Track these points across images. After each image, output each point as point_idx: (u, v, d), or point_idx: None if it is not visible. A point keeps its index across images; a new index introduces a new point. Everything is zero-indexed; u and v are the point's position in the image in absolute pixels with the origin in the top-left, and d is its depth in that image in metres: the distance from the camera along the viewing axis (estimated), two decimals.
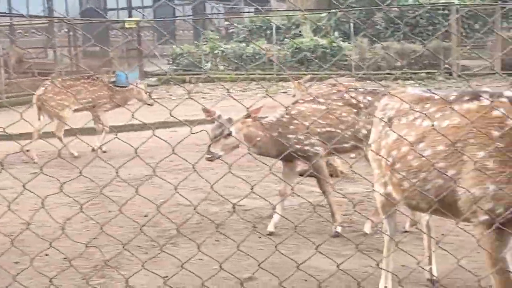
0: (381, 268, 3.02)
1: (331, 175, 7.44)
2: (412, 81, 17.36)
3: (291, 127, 5.38)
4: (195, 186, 7.13)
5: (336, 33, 21.11)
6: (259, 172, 7.73)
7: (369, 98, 5.46)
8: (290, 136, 5.35)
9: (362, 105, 5.43)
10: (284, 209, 5.90)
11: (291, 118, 5.37)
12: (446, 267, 4.36)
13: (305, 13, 20.45)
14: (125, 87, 10.62)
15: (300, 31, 22.30)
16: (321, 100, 5.53)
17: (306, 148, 5.36)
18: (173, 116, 2.30)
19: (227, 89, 2.54)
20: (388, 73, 18.44)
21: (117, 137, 2.57)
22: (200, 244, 2.85)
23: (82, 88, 9.96)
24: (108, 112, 10.19)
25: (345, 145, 5.46)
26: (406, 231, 5.46)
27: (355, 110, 5.44)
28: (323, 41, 20.26)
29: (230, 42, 23.03)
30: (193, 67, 21.60)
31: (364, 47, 20.04)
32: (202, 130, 2.79)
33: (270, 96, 2.64)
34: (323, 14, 22.58)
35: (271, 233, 5.52)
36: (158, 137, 2.60)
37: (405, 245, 5.15)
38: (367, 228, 5.51)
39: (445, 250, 4.28)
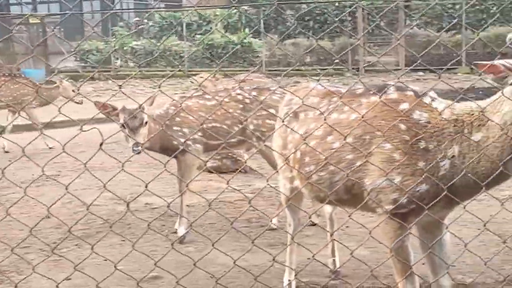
0: (277, 262, 3.05)
1: (239, 171, 7.51)
2: (321, 77, 17.71)
3: (177, 119, 5.39)
4: (101, 185, 6.94)
5: (247, 30, 21.20)
6: (169, 169, 7.64)
7: (254, 93, 5.56)
8: (176, 128, 5.34)
9: (248, 101, 5.51)
10: (192, 206, 5.89)
11: (178, 110, 5.36)
12: (351, 258, 4.48)
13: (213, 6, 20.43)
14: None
15: (211, 28, 22.26)
16: (208, 96, 5.57)
17: (189, 142, 5.37)
18: (62, 114, 2.22)
19: (119, 85, 2.47)
20: (297, 69, 18.74)
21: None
22: (94, 245, 2.77)
23: (3, 86, 9.52)
24: (36, 109, 9.78)
25: (232, 140, 5.51)
26: (313, 224, 5.55)
27: (241, 106, 5.51)
28: (234, 38, 20.32)
29: (140, 38, 22.67)
30: (103, 64, 21.14)
31: (274, 43, 20.26)
32: (94, 127, 2.70)
33: (162, 92, 2.61)
34: (234, 11, 22.63)
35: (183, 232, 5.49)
36: (47, 135, 2.51)
37: (311, 238, 5.26)
38: (274, 223, 5.57)
39: (340, 242, 4.40)
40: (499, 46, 17.28)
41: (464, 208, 2.90)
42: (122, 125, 5.00)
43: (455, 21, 18.44)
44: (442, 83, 3.04)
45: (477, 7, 19.85)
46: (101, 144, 2.35)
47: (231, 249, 4.84)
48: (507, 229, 4.95)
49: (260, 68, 18.87)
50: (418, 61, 2.58)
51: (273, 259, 2.64)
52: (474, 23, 19.60)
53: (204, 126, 5.36)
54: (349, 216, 2.64)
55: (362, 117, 2.86)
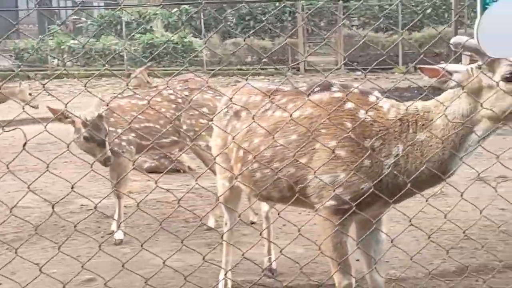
0: (207, 261, 3.05)
1: (178, 171, 7.47)
2: (262, 76, 17.82)
3: (111, 119, 5.28)
4: (34, 187, 6.78)
5: (187, 29, 21.06)
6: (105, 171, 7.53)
7: (186, 93, 5.55)
8: (110, 129, 5.24)
9: (180, 101, 5.49)
10: (129, 207, 5.82)
11: (110, 111, 5.28)
12: (278, 256, 4.55)
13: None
14: None
15: (151, 27, 22.01)
16: (139, 95, 5.53)
17: (123, 143, 5.30)
18: None
19: (43, 84, 2.39)
20: (239, 69, 18.80)
21: None
22: (17, 249, 2.72)
23: None
24: None
25: (165, 140, 5.47)
26: (251, 223, 5.58)
27: (173, 106, 5.48)
28: (174, 37, 20.18)
29: (78, 37, 22.24)
30: (39, 63, 20.66)
31: (215, 43, 20.23)
32: (16, 128, 2.63)
33: (89, 91, 2.57)
34: (174, 10, 22.47)
35: (114, 232, 5.41)
36: None
37: (248, 237, 5.28)
38: (211, 223, 5.56)
39: (270, 240, 4.41)
40: (433, 46, 17.82)
41: (391, 204, 2.95)
42: (85, 138, 4.83)
43: (380, 21, 18.91)
44: (382, 82, 3.10)
45: (413, 8, 20.31)
46: (24, 145, 2.28)
47: (168, 249, 4.81)
48: (437, 224, 5.09)
49: (201, 67, 18.82)
50: (345, 61, 2.62)
51: (203, 259, 2.63)
52: (410, 23, 20.05)
53: (137, 126, 5.31)
54: (278, 214, 2.65)
55: (290, 115, 2.88)
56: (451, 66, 2.81)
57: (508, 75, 2.62)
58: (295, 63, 18.88)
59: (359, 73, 17.67)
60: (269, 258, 4.44)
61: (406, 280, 4.22)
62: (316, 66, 19.26)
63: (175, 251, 3.23)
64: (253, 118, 2.97)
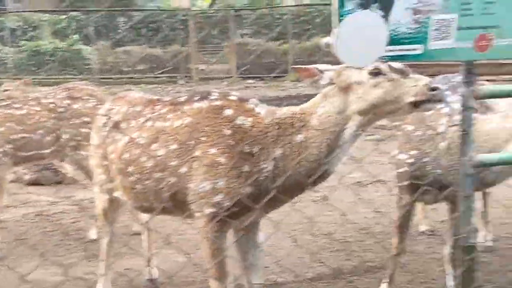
0: (69, 276, 2.97)
1: (60, 182, 7.25)
2: (155, 85, 17.64)
3: None
4: None
5: (76, 36, 20.45)
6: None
7: (68, 101, 5.40)
8: None
9: (61, 110, 5.34)
10: (6, 222, 5.58)
11: None
12: (169, 266, 4.52)
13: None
14: None
15: (38, 33, 21.21)
16: (17, 105, 5.33)
17: None
18: None
19: None
20: (130, 77, 18.52)
21: None
22: None
23: None
24: None
25: (45, 151, 5.29)
26: (134, 234, 5.49)
27: (54, 115, 5.32)
28: (63, 44, 19.58)
29: None
30: None
31: (106, 50, 19.82)
32: None
33: None
34: (63, 16, 21.78)
35: None
36: None
37: (130, 248, 5.18)
38: (92, 234, 5.42)
39: (148, 251, 4.36)
40: (322, 54, 18.35)
41: (259, 209, 2.98)
42: None
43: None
44: (270, 90, 3.15)
45: (303, 17, 20.83)
46: None
47: (45, 263, 4.63)
48: (318, 228, 5.22)
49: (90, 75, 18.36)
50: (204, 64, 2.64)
51: (64, 273, 2.55)
52: (300, 32, 20.55)
53: (13, 137, 5.11)
54: (145, 223, 2.62)
55: (152, 124, 2.85)
56: (323, 66, 2.91)
57: (374, 71, 2.74)
58: (165, 69, 18.77)
59: (250, 81, 17.91)
60: (149, 269, 4.38)
61: (285, 284, 4.29)
62: (208, 74, 19.36)
63: (37, 267, 3.10)
64: (117, 127, 2.93)
